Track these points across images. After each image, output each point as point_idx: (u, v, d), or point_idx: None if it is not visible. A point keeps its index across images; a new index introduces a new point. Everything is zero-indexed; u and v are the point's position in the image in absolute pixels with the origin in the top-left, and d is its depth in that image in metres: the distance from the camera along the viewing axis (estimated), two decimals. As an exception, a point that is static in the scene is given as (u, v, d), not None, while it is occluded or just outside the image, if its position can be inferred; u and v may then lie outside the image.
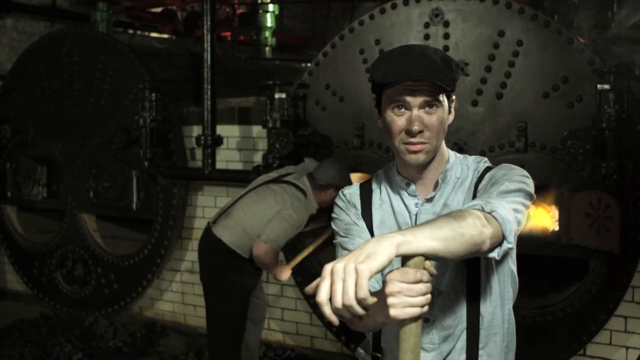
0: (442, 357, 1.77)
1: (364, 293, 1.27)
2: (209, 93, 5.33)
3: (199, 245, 4.34)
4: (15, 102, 6.63)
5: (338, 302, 1.29)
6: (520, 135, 4.12)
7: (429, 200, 1.78)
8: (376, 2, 7.04)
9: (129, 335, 5.70)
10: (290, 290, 5.36)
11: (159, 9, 8.84)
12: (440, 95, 1.69)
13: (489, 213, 1.53)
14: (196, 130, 5.59)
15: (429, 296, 1.37)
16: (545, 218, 4.28)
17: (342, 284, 1.29)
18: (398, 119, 1.70)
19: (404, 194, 1.81)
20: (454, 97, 1.77)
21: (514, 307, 4.35)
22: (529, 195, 1.69)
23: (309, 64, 5.34)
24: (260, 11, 8.38)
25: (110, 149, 5.84)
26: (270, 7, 8.41)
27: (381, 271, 1.33)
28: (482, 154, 4.17)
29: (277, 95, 4.85)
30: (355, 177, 4.69)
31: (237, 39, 8.97)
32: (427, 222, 1.46)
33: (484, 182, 1.75)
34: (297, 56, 9.86)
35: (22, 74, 6.56)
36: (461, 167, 1.81)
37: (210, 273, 4.18)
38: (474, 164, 1.82)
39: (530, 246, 4.14)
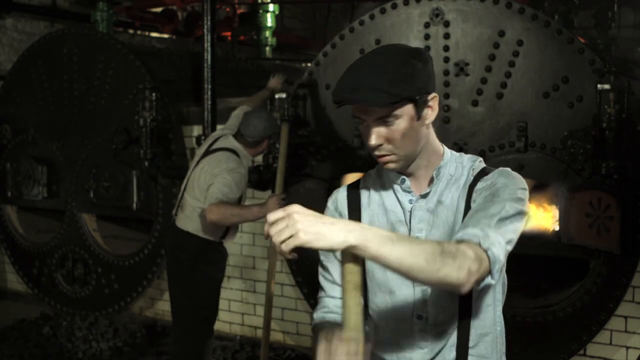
0: (433, 354, 1.77)
1: (286, 251, 1.45)
2: (209, 93, 5.33)
3: (166, 240, 4.32)
4: (15, 102, 6.63)
5: (274, 239, 1.45)
6: (521, 135, 4.12)
7: (424, 196, 1.77)
8: (376, 2, 7.04)
9: (129, 335, 5.70)
10: (290, 290, 5.36)
11: (159, 9, 8.85)
12: (396, 110, 1.65)
13: (485, 251, 1.55)
14: (196, 130, 5.59)
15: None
16: (545, 218, 4.28)
17: (282, 228, 1.43)
18: (363, 131, 1.72)
19: (398, 189, 1.80)
20: (429, 97, 1.70)
21: (513, 307, 4.35)
22: (525, 216, 1.70)
23: (309, 64, 5.34)
24: (260, 11, 8.38)
25: (110, 149, 5.84)
26: (270, 7, 8.41)
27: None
28: (482, 153, 4.18)
29: (277, 95, 4.85)
30: (356, 177, 4.70)
31: (237, 39, 8.97)
32: (414, 243, 1.49)
33: (482, 185, 1.73)
34: (297, 56, 9.86)
35: (22, 74, 6.56)
36: (456, 164, 1.80)
37: (181, 269, 4.11)
38: (469, 162, 1.81)
39: (530, 246, 4.14)
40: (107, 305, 6.09)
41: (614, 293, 3.98)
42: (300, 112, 4.92)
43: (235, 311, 5.65)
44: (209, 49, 5.33)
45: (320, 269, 1.89)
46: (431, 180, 1.77)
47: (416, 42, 4.38)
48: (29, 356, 5.31)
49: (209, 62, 5.33)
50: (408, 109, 1.67)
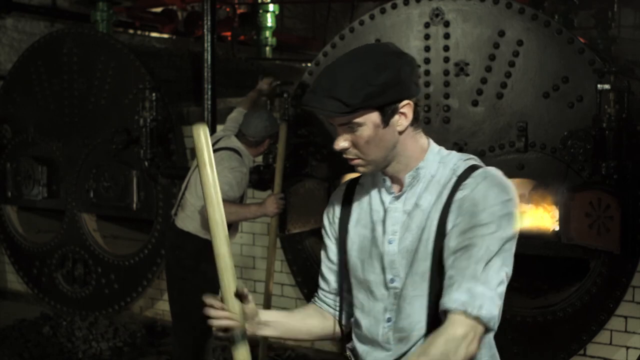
0: (396, 356, 1.75)
1: None
2: (209, 93, 5.33)
3: (166, 241, 4.32)
4: (15, 102, 6.63)
5: None
6: (521, 135, 4.12)
7: (398, 198, 1.74)
8: (376, 2, 7.04)
9: (129, 335, 5.70)
10: (290, 290, 5.36)
11: (159, 9, 8.84)
12: (357, 118, 1.64)
13: (475, 318, 1.55)
14: (196, 130, 5.59)
15: None
16: (545, 218, 4.28)
17: None
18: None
19: (383, 189, 1.78)
20: (399, 105, 1.65)
21: (513, 307, 4.31)
22: (514, 236, 1.63)
23: (309, 64, 5.34)
24: (260, 11, 8.38)
25: (110, 149, 5.84)
26: (270, 7, 8.41)
27: None
28: (482, 153, 4.18)
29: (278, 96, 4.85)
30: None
31: (237, 39, 8.97)
32: None
33: (462, 195, 1.64)
34: (297, 56, 9.86)
35: (22, 74, 6.56)
36: (438, 164, 1.73)
37: (181, 268, 4.11)
38: (454, 160, 1.74)
39: (530, 246, 4.14)
40: (107, 305, 6.09)
41: (614, 293, 3.98)
42: (300, 111, 4.92)
43: (235, 311, 5.64)
44: (209, 49, 5.32)
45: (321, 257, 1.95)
46: (406, 182, 1.74)
47: (416, 42, 4.39)
48: (29, 356, 5.31)
49: (209, 62, 5.33)
50: (372, 117, 1.64)
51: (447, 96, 4.34)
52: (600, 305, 4.02)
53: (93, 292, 6.18)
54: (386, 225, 1.74)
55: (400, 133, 1.68)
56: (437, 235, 1.66)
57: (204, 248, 4.08)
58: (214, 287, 4.48)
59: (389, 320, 1.75)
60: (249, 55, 8.41)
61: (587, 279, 4.07)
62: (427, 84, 4.39)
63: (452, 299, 1.56)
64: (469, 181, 1.66)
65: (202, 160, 1.68)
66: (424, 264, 1.67)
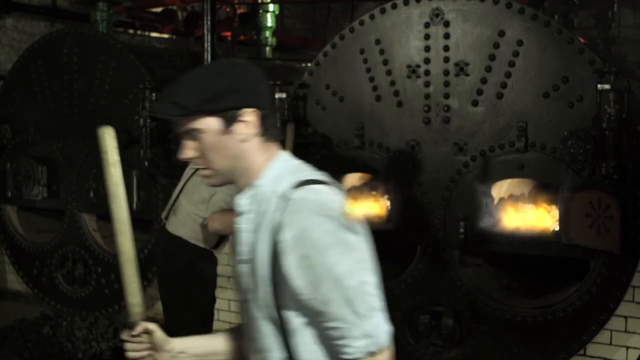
0: None
1: None
2: (209, 93, 5.33)
3: (157, 246, 4.25)
4: (15, 102, 6.63)
5: None
6: (521, 135, 4.12)
7: (241, 217, 1.69)
8: (376, 2, 7.04)
9: (129, 335, 5.70)
10: (290, 290, 5.35)
11: (159, 9, 8.85)
12: (195, 123, 1.63)
13: (380, 350, 1.51)
14: (196, 130, 5.59)
15: None
16: (545, 218, 4.28)
17: None
18: None
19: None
20: (239, 112, 1.61)
21: (513, 307, 4.32)
22: (361, 243, 1.55)
23: (309, 64, 5.34)
24: (260, 11, 8.37)
25: (110, 149, 5.83)
26: (271, 7, 8.40)
27: None
28: (482, 153, 4.17)
29: (277, 95, 4.85)
30: (355, 177, 4.69)
31: (237, 39, 8.97)
32: None
33: (282, 227, 1.54)
34: (297, 56, 9.86)
35: (22, 74, 6.56)
36: (272, 180, 1.64)
37: (174, 273, 4.05)
38: (281, 177, 1.63)
39: (530, 246, 4.14)
40: (107, 305, 6.09)
41: (614, 293, 3.98)
42: (300, 112, 4.92)
43: (235, 311, 5.65)
44: (209, 49, 5.32)
45: None
46: (246, 200, 1.68)
47: (416, 42, 4.38)
48: (29, 356, 5.31)
49: (209, 62, 5.33)
50: (211, 123, 1.62)
51: (447, 96, 4.34)
52: (600, 305, 4.02)
53: (93, 292, 6.18)
54: (237, 245, 1.70)
55: (243, 142, 1.63)
56: (271, 263, 1.58)
57: (196, 256, 4.04)
58: (208, 294, 4.45)
59: (252, 340, 1.73)
60: (249, 55, 8.41)
61: (587, 279, 4.08)
62: (427, 84, 4.39)
63: (354, 348, 1.51)
64: (289, 206, 1.55)
65: (107, 160, 1.76)
66: (264, 289, 1.61)
